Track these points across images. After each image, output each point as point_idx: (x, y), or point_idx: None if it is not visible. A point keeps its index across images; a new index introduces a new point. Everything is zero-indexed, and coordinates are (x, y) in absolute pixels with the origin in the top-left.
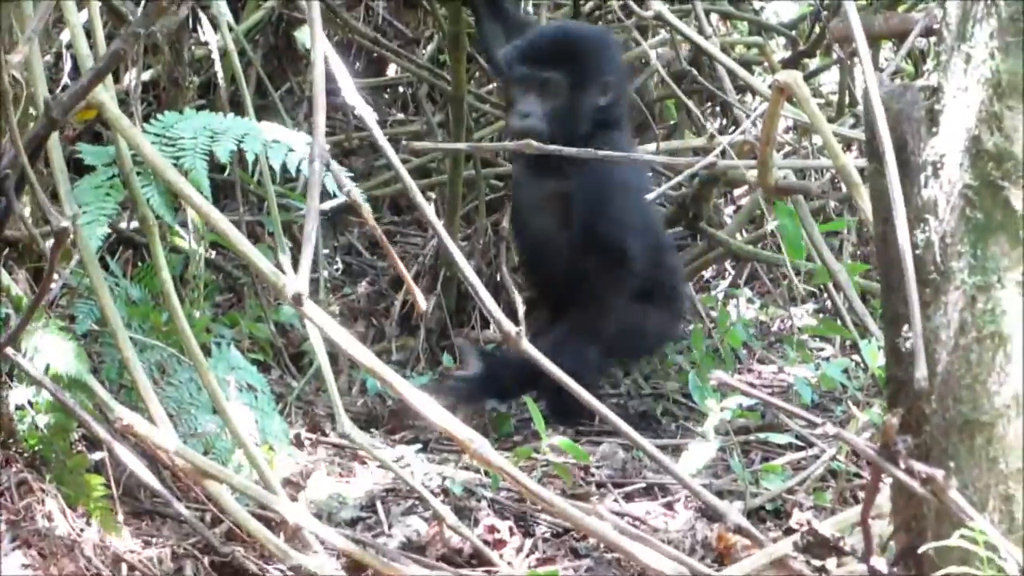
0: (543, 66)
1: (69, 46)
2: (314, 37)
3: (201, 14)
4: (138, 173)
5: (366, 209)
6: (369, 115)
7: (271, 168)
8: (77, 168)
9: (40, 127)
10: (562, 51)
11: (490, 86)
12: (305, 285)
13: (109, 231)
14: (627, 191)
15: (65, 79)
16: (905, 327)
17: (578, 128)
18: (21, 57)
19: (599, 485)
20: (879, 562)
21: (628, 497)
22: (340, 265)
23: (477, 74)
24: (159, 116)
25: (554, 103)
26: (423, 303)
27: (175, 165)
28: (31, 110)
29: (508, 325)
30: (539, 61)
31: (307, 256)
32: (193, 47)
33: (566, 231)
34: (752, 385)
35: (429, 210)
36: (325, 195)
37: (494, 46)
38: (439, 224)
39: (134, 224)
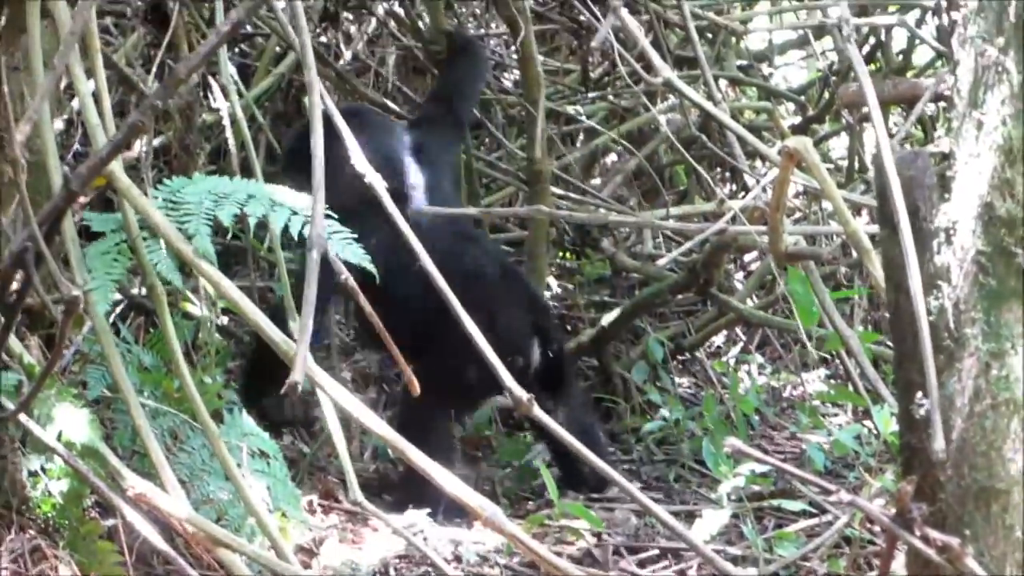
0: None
1: (79, 112)
2: (314, 122)
3: (212, 81)
4: (146, 240)
5: (362, 298)
6: (378, 182)
7: (284, 232)
8: (86, 234)
9: (59, 199)
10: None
11: (499, 152)
12: (302, 375)
13: (120, 297)
14: None
15: (76, 146)
16: (919, 394)
17: None
18: (25, 134)
19: (613, 551)
20: None
21: (642, 564)
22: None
23: (487, 140)
24: (167, 181)
25: None
26: (416, 387)
27: (180, 229)
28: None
29: (520, 391)
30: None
31: (304, 346)
32: (204, 114)
33: None
34: (765, 451)
35: (439, 276)
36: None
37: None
38: (449, 291)
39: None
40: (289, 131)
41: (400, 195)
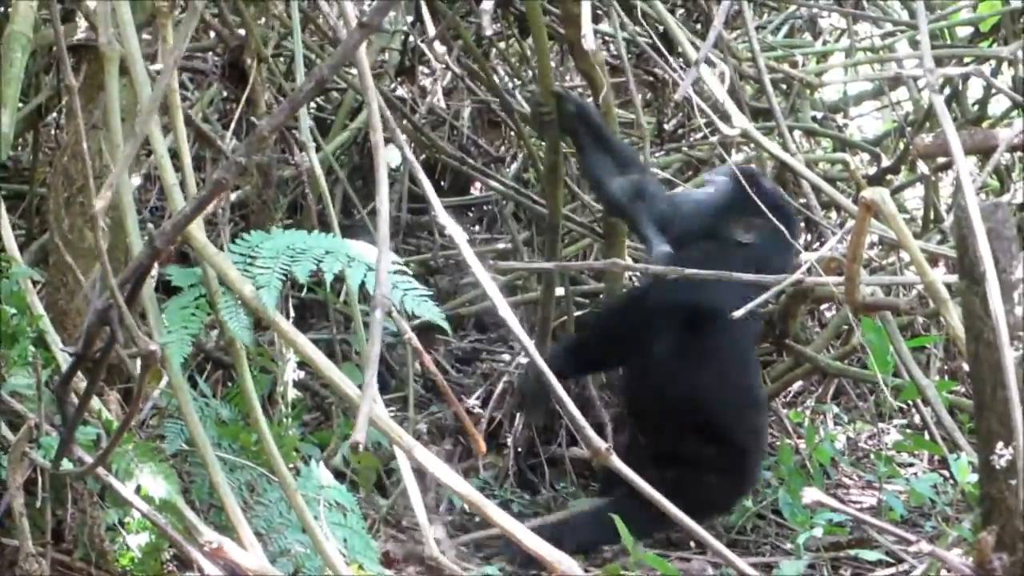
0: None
1: (156, 168)
2: (379, 183)
3: (288, 135)
4: (224, 296)
5: (426, 358)
6: (459, 234)
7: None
8: (164, 288)
9: (143, 257)
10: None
11: (574, 204)
12: (363, 436)
13: (196, 351)
14: None
15: (153, 200)
16: (999, 444)
17: None
18: (106, 202)
19: None
20: None
21: None
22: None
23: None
24: (244, 236)
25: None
26: (483, 446)
27: (253, 283)
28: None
29: (598, 441)
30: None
31: (366, 406)
32: (282, 168)
33: None
34: (841, 501)
35: (520, 329)
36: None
37: (604, 177)
38: (529, 342)
39: (222, 344)
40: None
41: None
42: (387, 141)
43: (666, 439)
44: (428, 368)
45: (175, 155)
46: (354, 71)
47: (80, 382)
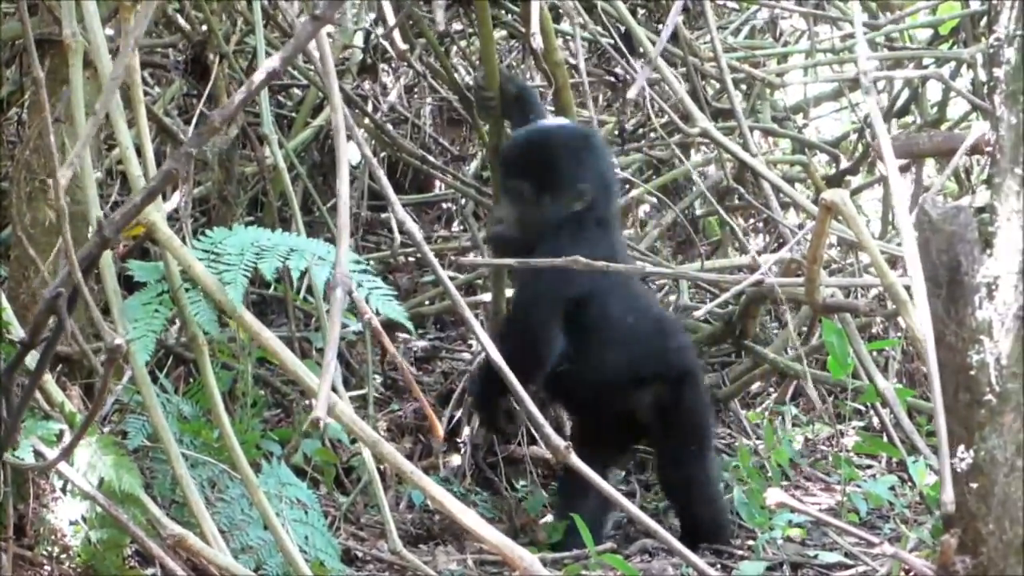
0: (511, 173)
1: (118, 163)
2: (340, 164)
3: (250, 132)
4: (187, 290)
5: (386, 339)
6: (416, 232)
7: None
8: (126, 284)
9: (93, 246)
10: (530, 158)
11: None
12: (323, 412)
13: (158, 347)
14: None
15: (115, 196)
16: (960, 447)
17: (545, 234)
18: (67, 179)
19: None
20: None
21: None
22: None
23: None
24: (207, 232)
25: (521, 209)
26: (441, 432)
27: (219, 278)
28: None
29: (557, 439)
30: (509, 167)
31: (326, 385)
32: (243, 164)
33: None
34: (801, 502)
35: (477, 326)
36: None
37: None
38: (488, 341)
39: (183, 339)
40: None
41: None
42: (348, 139)
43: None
44: (389, 352)
45: (140, 152)
46: (317, 67)
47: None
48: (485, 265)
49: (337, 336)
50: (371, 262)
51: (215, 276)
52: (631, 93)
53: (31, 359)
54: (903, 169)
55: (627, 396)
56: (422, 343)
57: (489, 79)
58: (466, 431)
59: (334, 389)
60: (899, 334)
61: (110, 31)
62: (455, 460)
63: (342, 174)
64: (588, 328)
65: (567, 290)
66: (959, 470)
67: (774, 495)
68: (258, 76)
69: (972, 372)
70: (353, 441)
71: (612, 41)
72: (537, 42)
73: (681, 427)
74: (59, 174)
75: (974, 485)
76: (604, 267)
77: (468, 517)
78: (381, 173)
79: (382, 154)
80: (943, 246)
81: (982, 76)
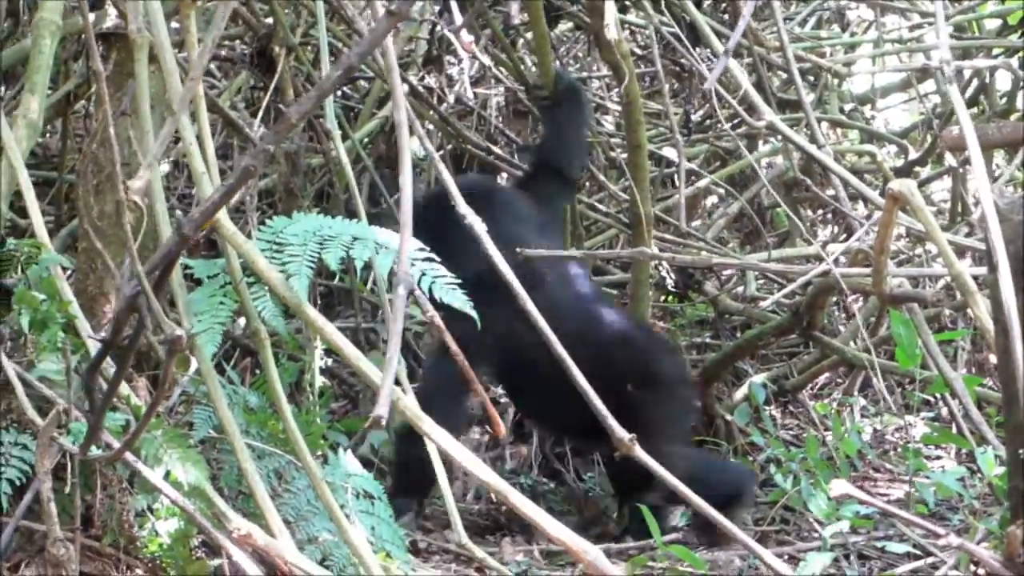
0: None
1: (184, 155)
2: (402, 159)
3: (316, 124)
4: (250, 284)
5: (447, 335)
6: (479, 224)
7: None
8: (190, 277)
9: (171, 244)
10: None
11: (600, 194)
12: (386, 409)
13: (225, 338)
14: None
15: (181, 188)
16: None
17: None
18: (143, 183)
19: None
20: None
21: None
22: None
23: (588, 182)
24: (269, 222)
25: None
26: (502, 429)
27: (282, 271)
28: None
29: (621, 431)
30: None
31: (388, 381)
32: (309, 157)
33: None
34: (868, 493)
35: (541, 319)
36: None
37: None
38: (550, 332)
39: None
40: (421, 195)
41: (535, 276)
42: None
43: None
44: (452, 349)
45: (201, 145)
46: (380, 60)
47: (109, 368)
48: (548, 256)
49: (399, 333)
50: None
51: (279, 268)
52: (706, 86)
53: None
54: (969, 161)
55: None
56: None
57: (544, 77)
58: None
59: (398, 382)
60: (968, 324)
61: (175, 23)
62: (523, 451)
63: (405, 168)
64: None
65: None
66: None
67: (839, 486)
68: (333, 72)
69: None
70: None
71: (676, 31)
72: (612, 33)
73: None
74: (131, 183)
75: None
76: (671, 257)
77: (531, 509)
78: (443, 167)
79: (448, 146)
80: (1010, 235)
81: None
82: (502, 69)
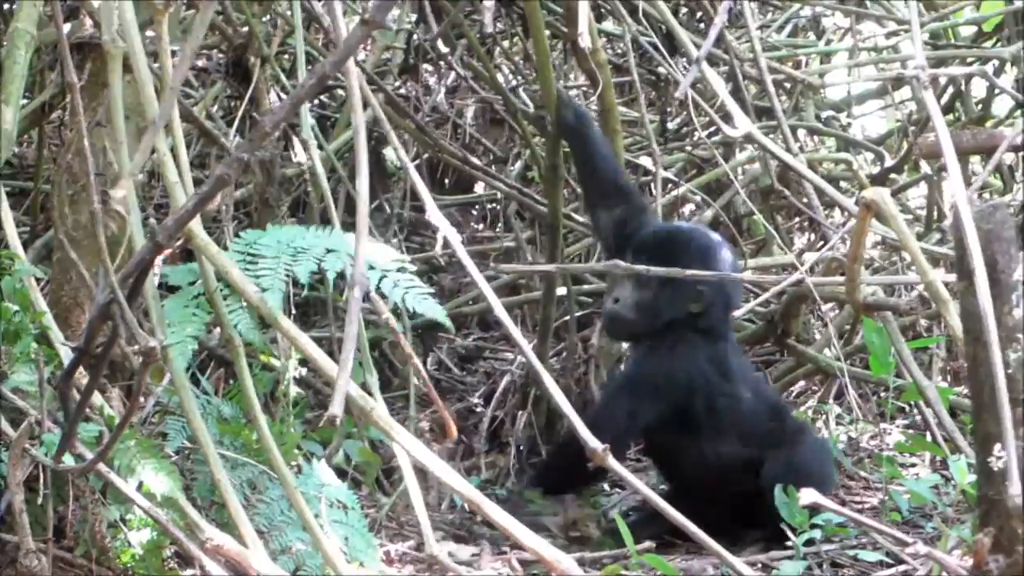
0: (639, 259)
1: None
2: (359, 165)
3: (292, 134)
4: (225, 295)
5: (402, 338)
6: (452, 234)
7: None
8: (167, 286)
9: (145, 252)
10: (663, 251)
11: (576, 203)
12: (340, 409)
13: (199, 348)
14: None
15: (157, 198)
16: (997, 446)
17: (657, 325)
18: (125, 192)
19: None
20: None
21: None
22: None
23: (564, 191)
24: (243, 234)
25: (641, 296)
26: (454, 431)
27: (256, 283)
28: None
29: (594, 442)
30: (639, 253)
31: (343, 381)
32: (285, 166)
33: None
34: (842, 502)
35: (515, 329)
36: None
37: (592, 204)
38: (524, 343)
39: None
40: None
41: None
42: (384, 141)
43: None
44: (405, 351)
45: (175, 155)
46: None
47: (83, 378)
48: (525, 271)
49: (354, 334)
50: (415, 263)
51: (253, 281)
52: (678, 94)
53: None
54: (946, 167)
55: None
56: (466, 343)
57: (547, 100)
58: (510, 433)
59: (370, 392)
60: (943, 332)
61: (150, 32)
62: (500, 461)
63: (361, 171)
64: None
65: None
66: (995, 469)
67: (808, 495)
68: (308, 81)
69: (1009, 371)
70: None
71: (652, 40)
72: (585, 41)
73: None
74: (112, 192)
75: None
76: (645, 270)
77: (504, 519)
78: (417, 176)
79: (424, 155)
80: (980, 244)
81: None
82: (478, 80)
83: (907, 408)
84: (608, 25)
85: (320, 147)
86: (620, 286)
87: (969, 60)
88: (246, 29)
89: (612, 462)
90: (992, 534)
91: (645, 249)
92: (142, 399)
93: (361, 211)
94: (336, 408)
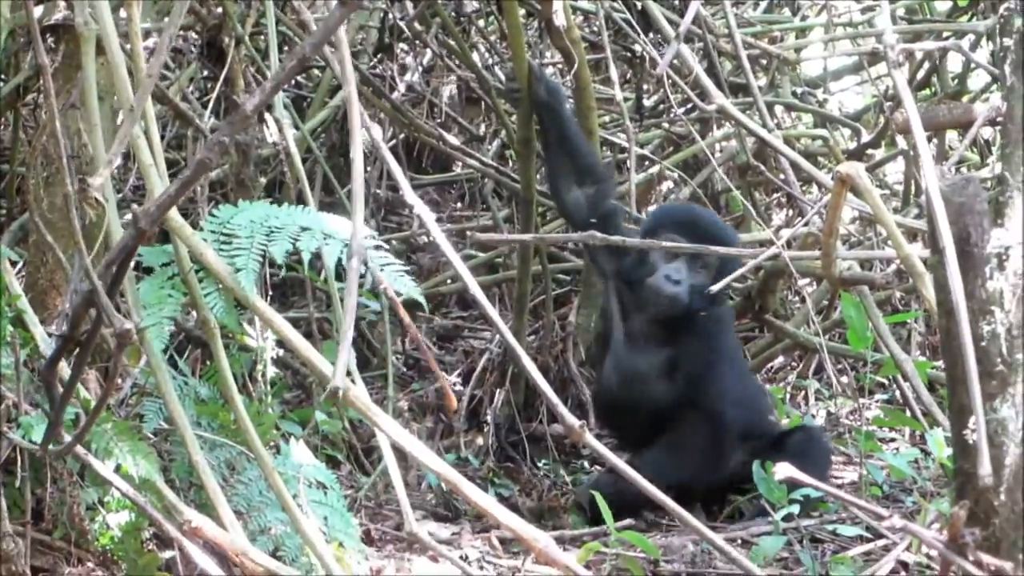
0: (697, 239)
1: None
2: (353, 134)
3: (267, 113)
4: (200, 276)
5: (401, 309)
6: (427, 214)
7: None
8: (146, 268)
9: (128, 237)
10: (713, 233)
11: None
12: (342, 380)
13: (175, 329)
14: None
15: (132, 180)
16: (971, 419)
17: (708, 308)
18: (103, 180)
19: None
20: None
21: None
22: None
23: (542, 169)
24: (215, 211)
25: (698, 278)
26: (455, 402)
27: (230, 263)
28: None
29: (571, 419)
30: (695, 235)
31: (344, 352)
32: (260, 146)
33: (666, 385)
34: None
35: (490, 308)
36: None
37: (561, 185)
38: (500, 322)
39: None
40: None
41: None
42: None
43: None
44: (406, 324)
45: (147, 137)
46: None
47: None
48: (502, 241)
49: (354, 305)
50: (392, 242)
51: (227, 261)
52: (658, 71)
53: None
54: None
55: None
56: (444, 322)
57: (518, 74)
58: (488, 412)
59: (349, 373)
60: (921, 306)
61: (123, 14)
62: (478, 440)
63: (356, 144)
64: None
65: None
66: (970, 442)
67: (783, 470)
68: (288, 63)
69: (983, 343)
70: None
71: (627, 17)
72: (560, 19)
73: None
74: (91, 180)
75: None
76: (621, 241)
77: (482, 498)
78: (390, 156)
79: (401, 135)
80: (952, 218)
81: (1000, 47)
82: (453, 58)
83: (886, 383)
84: (582, 3)
85: (296, 127)
86: (671, 267)
87: (945, 34)
88: (220, 10)
89: (590, 438)
90: (968, 507)
91: (701, 230)
92: (119, 381)
93: (356, 181)
94: (338, 380)
